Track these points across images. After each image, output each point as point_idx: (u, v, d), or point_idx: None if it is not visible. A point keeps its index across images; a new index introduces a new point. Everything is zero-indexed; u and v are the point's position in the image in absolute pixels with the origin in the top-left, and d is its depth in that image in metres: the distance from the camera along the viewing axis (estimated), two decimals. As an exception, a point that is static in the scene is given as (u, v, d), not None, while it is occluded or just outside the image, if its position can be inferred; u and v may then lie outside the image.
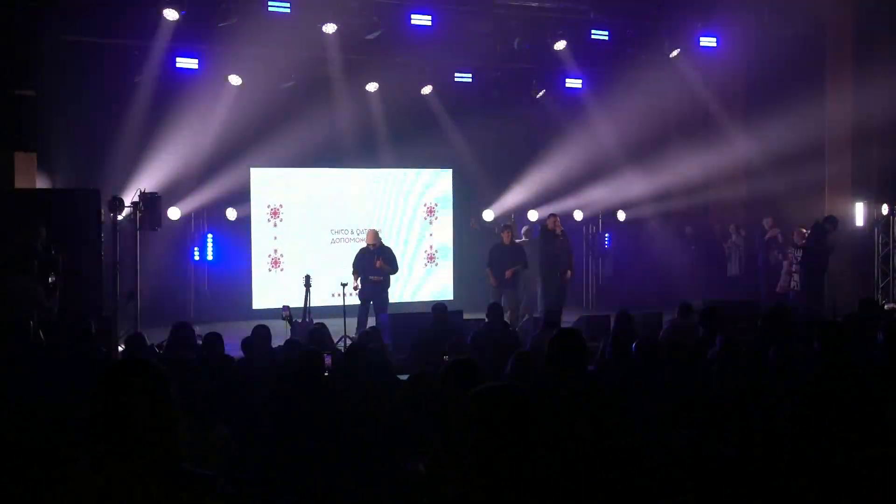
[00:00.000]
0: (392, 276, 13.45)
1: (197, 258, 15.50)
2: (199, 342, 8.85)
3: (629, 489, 4.38)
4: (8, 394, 6.55)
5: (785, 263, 14.76)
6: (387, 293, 13.29)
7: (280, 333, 11.79)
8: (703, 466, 5.67)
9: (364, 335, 9.18)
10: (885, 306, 10.87)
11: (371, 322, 12.55)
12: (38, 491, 2.53)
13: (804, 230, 14.48)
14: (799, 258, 14.22)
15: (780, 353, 6.84)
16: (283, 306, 11.78)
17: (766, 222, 16.02)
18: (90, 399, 2.52)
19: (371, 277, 13.04)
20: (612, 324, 9.57)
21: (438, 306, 9.81)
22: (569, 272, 14.12)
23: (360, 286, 13.08)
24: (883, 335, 7.53)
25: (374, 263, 13.04)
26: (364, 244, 13.48)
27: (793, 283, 14.49)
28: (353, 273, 13.11)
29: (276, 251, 16.20)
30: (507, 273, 13.93)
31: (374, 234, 13.39)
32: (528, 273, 14.59)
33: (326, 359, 6.96)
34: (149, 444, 2.47)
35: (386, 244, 13.84)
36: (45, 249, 9.35)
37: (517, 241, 14.89)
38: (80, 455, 4.66)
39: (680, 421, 6.15)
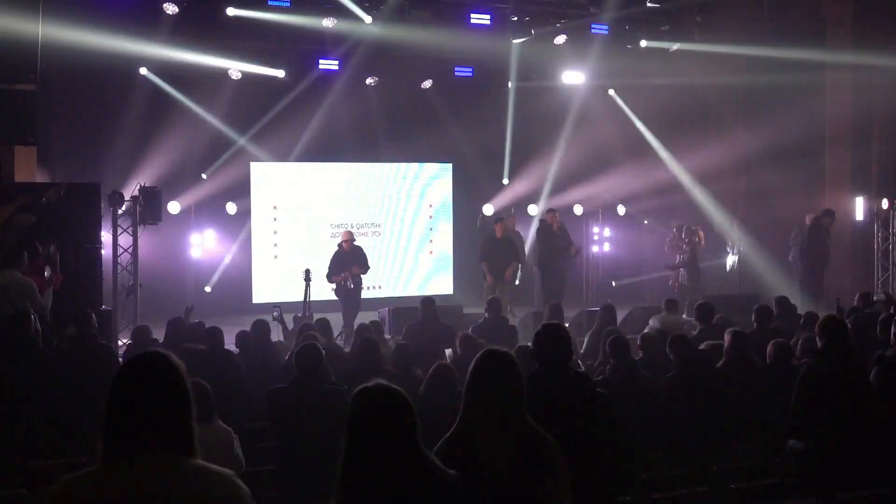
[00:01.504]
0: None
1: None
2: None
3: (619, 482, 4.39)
4: (9, 388, 6.56)
5: (678, 258, 14.83)
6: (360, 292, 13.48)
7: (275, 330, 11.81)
8: (700, 458, 5.70)
9: (365, 329, 9.16)
10: (874, 297, 10.87)
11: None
12: (50, 485, 2.51)
13: (694, 227, 14.95)
14: (686, 256, 14.36)
15: (779, 346, 6.85)
16: (275, 307, 11.69)
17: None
18: (107, 392, 2.49)
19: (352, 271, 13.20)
20: (597, 318, 9.58)
21: (426, 300, 9.76)
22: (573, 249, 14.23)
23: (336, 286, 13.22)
24: (879, 328, 7.57)
25: (350, 267, 13.22)
26: (340, 241, 13.62)
27: (680, 279, 14.54)
28: (330, 274, 13.25)
29: (275, 246, 16.21)
30: (507, 273, 14.04)
31: (351, 235, 13.53)
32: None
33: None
34: (165, 439, 2.45)
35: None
36: (35, 242, 9.31)
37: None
38: (91, 448, 4.67)
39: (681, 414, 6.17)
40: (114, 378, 2.51)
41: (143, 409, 2.45)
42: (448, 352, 8.53)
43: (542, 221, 14.40)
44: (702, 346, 7.44)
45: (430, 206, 17.46)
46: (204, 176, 15.46)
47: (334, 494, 2.77)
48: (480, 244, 14.56)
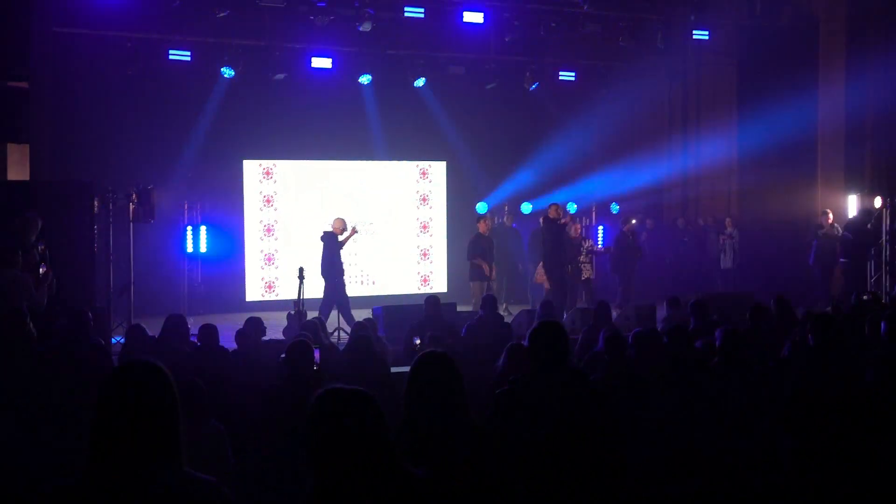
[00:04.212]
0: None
1: (190, 250, 15.45)
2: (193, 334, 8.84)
3: (618, 478, 4.40)
4: (5, 386, 6.54)
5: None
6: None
7: (276, 327, 11.80)
8: (697, 456, 5.71)
9: (360, 327, 9.15)
10: (864, 297, 10.91)
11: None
12: (39, 490, 2.51)
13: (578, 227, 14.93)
14: (596, 251, 14.38)
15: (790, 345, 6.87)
16: (295, 302, 11.83)
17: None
18: (95, 400, 2.49)
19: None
20: (593, 315, 9.59)
21: (431, 298, 9.81)
22: (569, 267, 13.91)
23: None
24: (869, 327, 7.59)
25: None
26: (330, 229, 13.16)
27: (584, 276, 14.52)
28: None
29: (269, 244, 16.20)
30: (486, 269, 14.03)
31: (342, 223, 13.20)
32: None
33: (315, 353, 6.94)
34: (153, 447, 2.45)
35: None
36: (36, 240, 9.31)
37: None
38: (80, 453, 4.64)
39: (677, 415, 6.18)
40: (101, 386, 2.50)
41: (131, 417, 2.44)
42: (417, 341, 8.55)
43: (545, 217, 14.03)
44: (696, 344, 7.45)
45: (424, 203, 17.45)
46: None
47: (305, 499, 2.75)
48: (469, 242, 14.53)
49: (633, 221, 15.72)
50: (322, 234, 13.08)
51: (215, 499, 2.50)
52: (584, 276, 14.49)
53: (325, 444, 2.69)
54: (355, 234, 13.05)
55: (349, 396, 2.77)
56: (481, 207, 16.84)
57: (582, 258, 14.49)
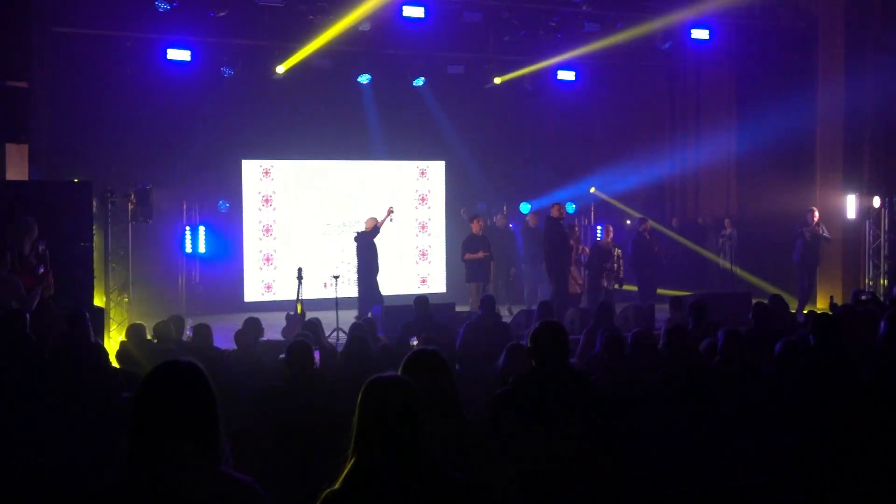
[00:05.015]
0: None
1: (189, 251, 15.43)
2: (190, 334, 8.85)
3: (617, 475, 4.40)
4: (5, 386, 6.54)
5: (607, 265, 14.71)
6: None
7: (275, 327, 11.81)
8: (697, 453, 5.71)
9: (357, 328, 9.15)
10: (863, 297, 10.91)
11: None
12: (78, 490, 2.52)
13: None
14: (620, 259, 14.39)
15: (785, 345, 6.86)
16: (298, 302, 11.93)
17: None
18: (133, 399, 2.51)
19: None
20: (593, 316, 9.59)
21: (420, 299, 9.80)
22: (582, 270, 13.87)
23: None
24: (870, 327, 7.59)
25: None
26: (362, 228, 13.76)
27: (607, 284, 14.48)
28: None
29: (267, 245, 16.20)
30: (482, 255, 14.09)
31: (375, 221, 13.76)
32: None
33: (315, 354, 6.94)
34: (192, 446, 2.47)
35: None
36: (35, 242, 9.28)
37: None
38: (85, 446, 4.61)
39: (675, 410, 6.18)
40: (141, 384, 2.52)
41: (172, 416, 2.47)
42: (414, 342, 8.56)
43: (547, 217, 13.98)
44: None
45: (423, 203, 17.44)
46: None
47: (339, 482, 2.72)
48: (463, 242, 14.53)
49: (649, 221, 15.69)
50: (356, 234, 13.31)
51: (252, 498, 2.51)
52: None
53: (370, 429, 2.69)
54: (391, 214, 13.67)
55: (400, 385, 2.79)
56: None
57: (608, 265, 14.46)
